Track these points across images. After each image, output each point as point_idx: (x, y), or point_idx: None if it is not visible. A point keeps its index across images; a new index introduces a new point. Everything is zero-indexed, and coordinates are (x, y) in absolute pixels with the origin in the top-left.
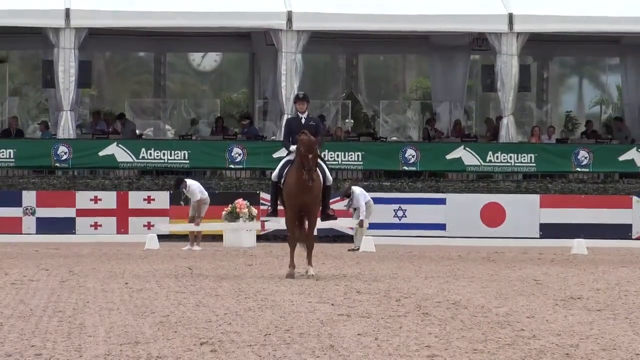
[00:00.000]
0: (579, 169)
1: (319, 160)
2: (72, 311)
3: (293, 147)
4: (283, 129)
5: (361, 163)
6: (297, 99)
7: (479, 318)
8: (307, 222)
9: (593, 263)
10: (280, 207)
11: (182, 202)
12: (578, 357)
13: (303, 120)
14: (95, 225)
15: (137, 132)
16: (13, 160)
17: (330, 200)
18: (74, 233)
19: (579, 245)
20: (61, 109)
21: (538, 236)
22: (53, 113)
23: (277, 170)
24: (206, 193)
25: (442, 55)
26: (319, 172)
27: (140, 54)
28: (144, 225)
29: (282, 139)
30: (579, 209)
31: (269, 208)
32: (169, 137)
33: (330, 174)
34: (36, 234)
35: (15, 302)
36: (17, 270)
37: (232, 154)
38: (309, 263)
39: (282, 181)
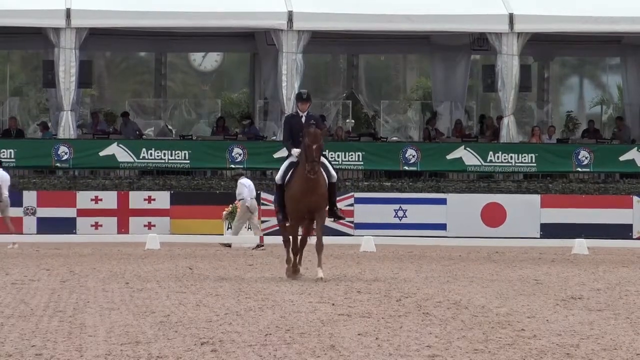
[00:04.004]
0: (579, 169)
1: (322, 158)
2: (72, 311)
3: (295, 151)
4: (283, 128)
5: (362, 163)
6: (299, 99)
7: (480, 318)
8: (315, 224)
9: (594, 263)
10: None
11: None
12: (579, 357)
13: (303, 119)
14: (96, 225)
15: (137, 132)
16: (14, 160)
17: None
18: (75, 233)
19: (580, 245)
20: (62, 109)
21: (539, 236)
22: (54, 113)
23: (280, 172)
24: (6, 194)
25: (442, 55)
26: (322, 171)
27: (141, 54)
28: (145, 225)
29: (282, 138)
30: (580, 209)
31: (279, 216)
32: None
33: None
34: (37, 233)
35: (16, 302)
36: (18, 270)
37: (233, 154)
38: (319, 264)
39: (285, 183)
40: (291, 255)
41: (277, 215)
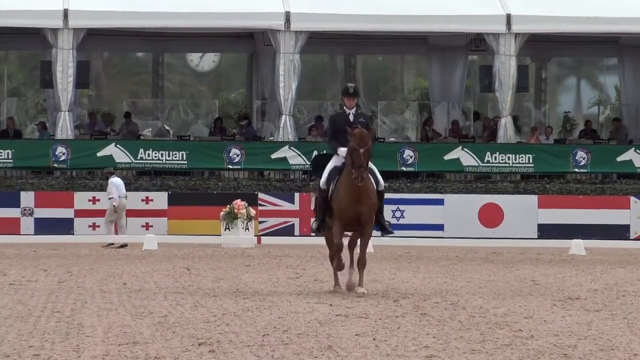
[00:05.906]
0: (577, 170)
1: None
2: (70, 311)
3: (342, 150)
4: (328, 127)
5: None
6: (345, 93)
7: (477, 318)
8: (360, 237)
9: (591, 263)
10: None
11: None
12: (576, 358)
13: (351, 116)
14: (94, 226)
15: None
16: (11, 160)
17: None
18: (72, 233)
19: (577, 246)
20: (59, 109)
21: (536, 237)
22: (51, 113)
23: (324, 176)
24: None
25: (440, 56)
26: (370, 177)
27: (139, 55)
28: (142, 226)
29: (327, 138)
30: (577, 210)
31: (315, 222)
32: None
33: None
34: (34, 234)
35: (14, 303)
36: (16, 271)
37: (230, 155)
38: (360, 283)
39: (330, 191)
40: (339, 277)
41: (313, 223)
